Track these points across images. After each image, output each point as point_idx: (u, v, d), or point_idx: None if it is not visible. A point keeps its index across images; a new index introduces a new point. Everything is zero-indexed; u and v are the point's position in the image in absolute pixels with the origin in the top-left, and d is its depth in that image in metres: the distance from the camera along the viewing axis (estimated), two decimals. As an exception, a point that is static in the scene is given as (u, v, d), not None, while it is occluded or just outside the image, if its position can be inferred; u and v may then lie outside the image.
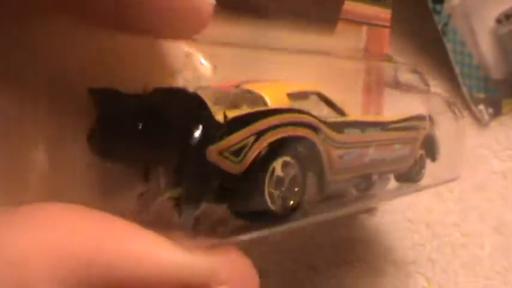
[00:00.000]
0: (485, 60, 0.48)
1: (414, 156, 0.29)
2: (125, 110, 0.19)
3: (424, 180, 0.30)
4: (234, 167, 0.18)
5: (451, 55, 0.47)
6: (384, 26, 0.35)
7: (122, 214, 0.17)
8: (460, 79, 0.47)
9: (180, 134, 0.17)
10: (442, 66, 0.47)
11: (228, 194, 0.19)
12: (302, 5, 0.30)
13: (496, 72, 0.48)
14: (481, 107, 0.48)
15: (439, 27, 0.46)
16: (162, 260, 0.15)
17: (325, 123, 0.22)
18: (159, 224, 0.17)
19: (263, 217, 0.20)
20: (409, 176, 0.29)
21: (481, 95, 0.48)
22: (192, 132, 0.17)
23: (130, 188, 0.19)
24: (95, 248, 0.14)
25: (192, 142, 0.17)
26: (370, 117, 0.26)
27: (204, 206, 0.18)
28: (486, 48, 0.48)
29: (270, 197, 0.20)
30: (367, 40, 0.34)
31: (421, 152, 0.29)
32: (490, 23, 0.47)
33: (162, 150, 0.18)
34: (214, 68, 0.19)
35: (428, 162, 0.30)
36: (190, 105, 0.18)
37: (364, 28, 0.34)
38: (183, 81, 0.19)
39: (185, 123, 0.18)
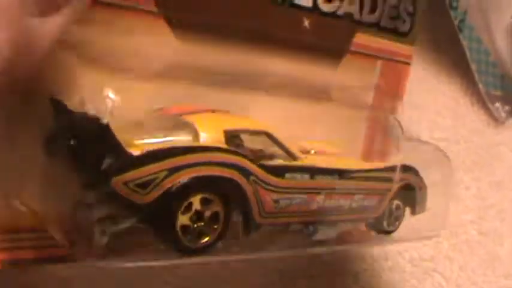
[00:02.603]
0: (502, 57, 0.47)
1: (382, 207, 0.28)
2: (66, 123, 0.20)
3: (400, 233, 0.29)
4: (139, 197, 0.19)
5: (468, 52, 0.46)
6: (404, 63, 0.34)
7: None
8: (476, 76, 0.47)
9: (90, 160, 0.19)
10: (458, 64, 0.46)
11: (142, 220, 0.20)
12: (305, 37, 0.29)
13: (513, 69, 0.48)
14: (498, 104, 0.47)
15: (456, 23, 0.45)
16: None
17: (261, 165, 0.22)
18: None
19: (174, 247, 0.21)
20: (379, 226, 0.29)
21: (498, 93, 0.47)
22: (98, 160, 0.18)
23: (72, 191, 0.20)
24: None
25: (97, 170, 0.18)
26: (331, 164, 0.26)
27: (123, 227, 0.19)
28: (503, 45, 0.47)
29: (183, 229, 0.20)
30: (380, 75, 0.33)
31: (397, 202, 0.29)
32: (507, 19, 0.46)
33: (83, 169, 0.19)
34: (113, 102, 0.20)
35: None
36: (98, 134, 0.19)
37: (379, 63, 0.33)
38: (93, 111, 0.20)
39: (95, 150, 0.19)
